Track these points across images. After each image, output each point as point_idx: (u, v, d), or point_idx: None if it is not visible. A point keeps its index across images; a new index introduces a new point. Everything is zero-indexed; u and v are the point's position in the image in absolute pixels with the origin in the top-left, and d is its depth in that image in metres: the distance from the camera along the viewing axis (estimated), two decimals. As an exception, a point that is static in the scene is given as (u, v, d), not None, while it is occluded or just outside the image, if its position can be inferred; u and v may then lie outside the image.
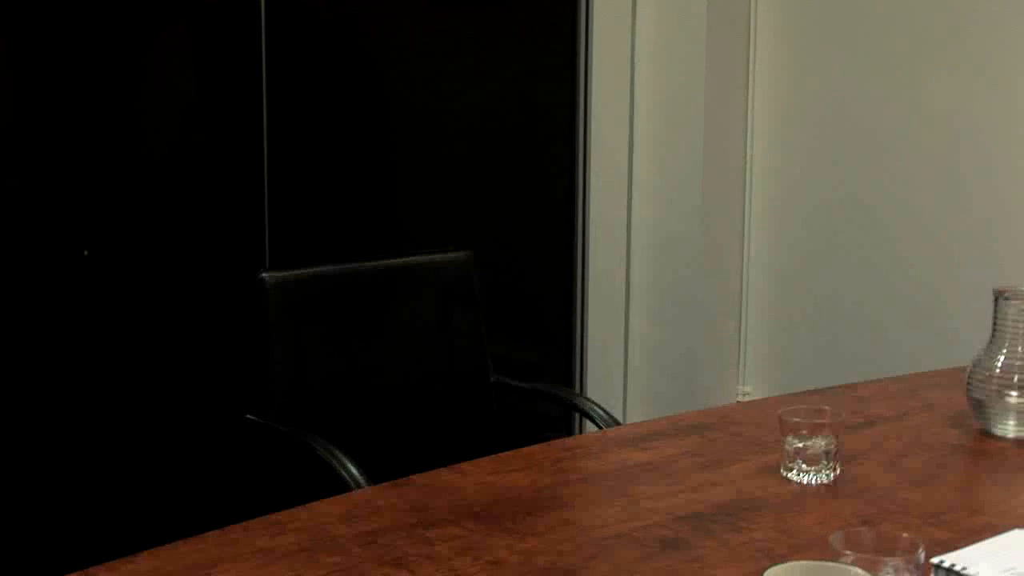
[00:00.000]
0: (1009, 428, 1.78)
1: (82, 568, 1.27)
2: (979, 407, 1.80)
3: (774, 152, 3.56)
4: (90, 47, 2.74)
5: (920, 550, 1.16)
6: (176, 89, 2.90)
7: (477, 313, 2.33)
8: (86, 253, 2.77)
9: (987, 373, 1.77)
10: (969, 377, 1.80)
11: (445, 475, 1.62)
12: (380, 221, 3.26)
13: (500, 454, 1.72)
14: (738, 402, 3.50)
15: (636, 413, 3.66)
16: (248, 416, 2.09)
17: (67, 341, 2.78)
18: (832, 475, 1.60)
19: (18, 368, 2.71)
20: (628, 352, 3.70)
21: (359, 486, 1.79)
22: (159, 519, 2.89)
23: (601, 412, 2.19)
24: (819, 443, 1.59)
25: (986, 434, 1.80)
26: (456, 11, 3.36)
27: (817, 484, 1.58)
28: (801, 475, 1.59)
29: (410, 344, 2.27)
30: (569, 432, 3.55)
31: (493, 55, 3.46)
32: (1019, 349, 1.75)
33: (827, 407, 1.63)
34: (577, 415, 3.60)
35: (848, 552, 1.15)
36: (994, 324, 1.77)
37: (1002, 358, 1.76)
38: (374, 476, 1.78)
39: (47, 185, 2.72)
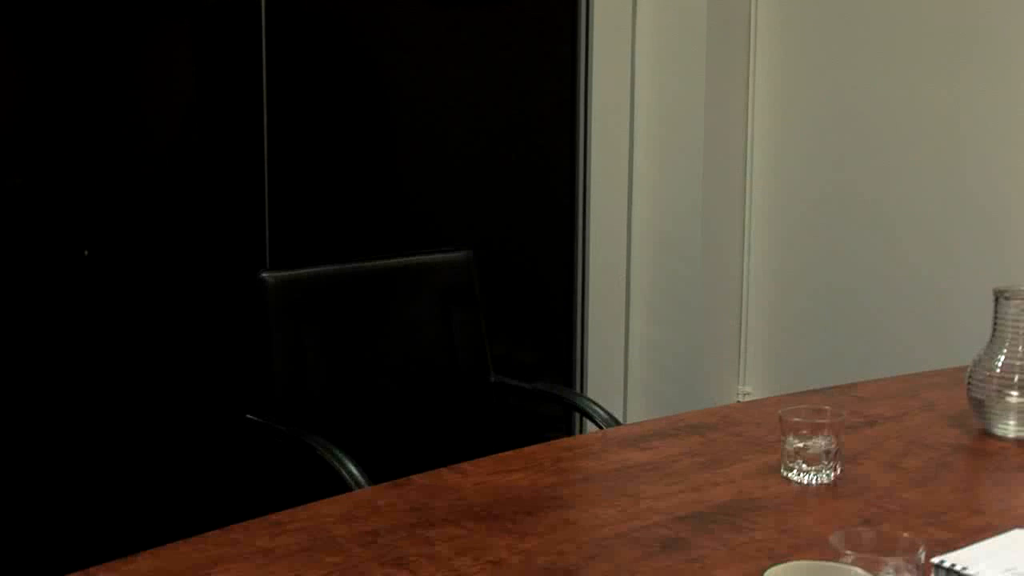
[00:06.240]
0: (1009, 428, 1.78)
1: (82, 568, 1.27)
2: (979, 407, 1.80)
3: (774, 152, 3.56)
4: (90, 47, 2.74)
5: (920, 550, 1.16)
6: (176, 89, 2.90)
7: (477, 313, 2.33)
8: (86, 253, 2.77)
9: (987, 373, 1.77)
10: (969, 377, 1.80)
11: (445, 475, 1.62)
12: (380, 221, 3.26)
13: (500, 454, 1.71)
14: (738, 402, 3.50)
15: (636, 413, 3.66)
16: (248, 416, 2.09)
17: (67, 341, 2.78)
18: (832, 475, 1.59)
19: (18, 368, 2.71)
20: (628, 352, 3.70)
21: (359, 486, 1.79)
22: (159, 519, 2.89)
23: (601, 412, 2.19)
24: (819, 443, 1.59)
25: (986, 434, 1.80)
26: (456, 11, 3.36)
27: (817, 484, 1.58)
28: (801, 475, 1.59)
29: (410, 344, 2.27)
30: (569, 432, 3.55)
31: (493, 55, 3.46)
32: (1019, 349, 1.75)
33: (827, 407, 1.63)
34: (577, 415, 3.59)
35: (848, 552, 1.15)
36: (994, 324, 1.77)
37: (1002, 358, 1.76)
38: (374, 476, 1.78)
39: (47, 185, 2.72)
